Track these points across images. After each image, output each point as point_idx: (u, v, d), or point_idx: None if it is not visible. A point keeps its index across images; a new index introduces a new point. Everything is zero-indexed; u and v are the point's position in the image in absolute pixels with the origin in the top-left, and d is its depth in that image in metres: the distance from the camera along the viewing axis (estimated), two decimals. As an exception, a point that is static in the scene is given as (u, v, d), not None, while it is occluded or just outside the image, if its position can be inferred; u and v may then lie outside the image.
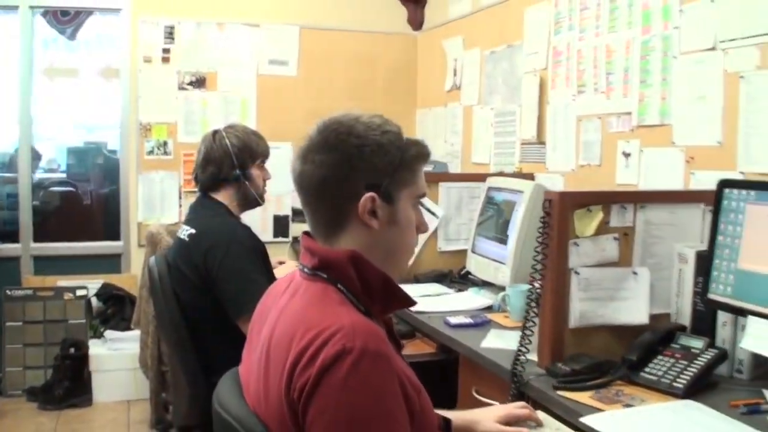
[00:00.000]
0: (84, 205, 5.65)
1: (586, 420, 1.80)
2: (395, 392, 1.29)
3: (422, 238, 3.37)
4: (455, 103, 4.81)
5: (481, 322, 2.70)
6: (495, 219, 3.11)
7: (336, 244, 1.49)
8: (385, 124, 1.49)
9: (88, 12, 5.18)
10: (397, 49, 5.57)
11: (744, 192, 2.03)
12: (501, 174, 3.72)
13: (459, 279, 3.45)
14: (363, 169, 1.45)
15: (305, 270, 1.48)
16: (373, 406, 1.26)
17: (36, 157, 5.28)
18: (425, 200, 1.61)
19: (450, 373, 2.58)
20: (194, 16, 5.14)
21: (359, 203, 1.45)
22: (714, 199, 2.10)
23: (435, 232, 3.53)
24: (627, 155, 3.14)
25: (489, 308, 2.93)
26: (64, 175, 5.76)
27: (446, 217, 3.55)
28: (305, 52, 5.35)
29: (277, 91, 5.27)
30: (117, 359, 4.75)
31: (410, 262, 1.73)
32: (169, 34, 5.08)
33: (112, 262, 5.18)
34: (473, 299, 3.07)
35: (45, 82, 5.30)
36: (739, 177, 2.53)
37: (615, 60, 3.23)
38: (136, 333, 4.54)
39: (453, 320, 2.71)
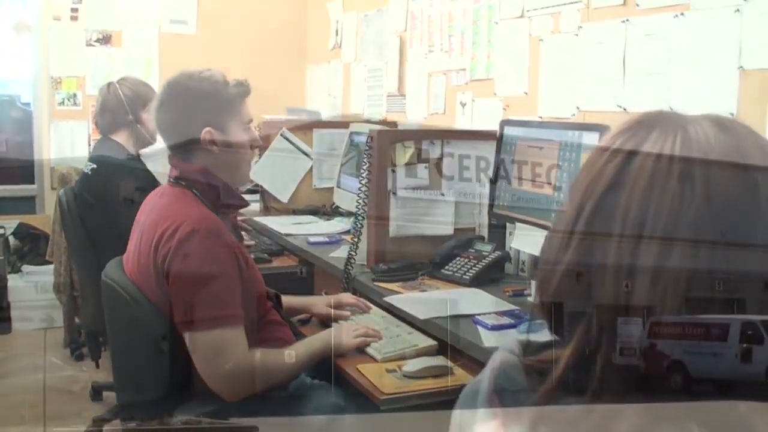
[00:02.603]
0: (-1, 152, 5.92)
1: (387, 299, 2.38)
2: (227, 260, 1.89)
3: (298, 176, 3.91)
4: (337, 60, 5.23)
5: (335, 241, 3.23)
6: (356, 158, 3.60)
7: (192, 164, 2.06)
8: (211, 77, 2.05)
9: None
10: (288, 10, 5.86)
11: (516, 129, 2.61)
12: (367, 121, 4.20)
13: (330, 211, 3.91)
14: (199, 111, 2.02)
15: (171, 180, 2.07)
16: (211, 267, 1.86)
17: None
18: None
19: (309, 280, 3.14)
20: (100, -23, 5.39)
21: (201, 137, 2.03)
22: (498, 136, 2.70)
23: (310, 171, 3.99)
24: (463, 105, 3.69)
25: (348, 232, 3.41)
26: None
27: (319, 159, 4.00)
28: (203, 12, 5.65)
29: (177, 47, 5.52)
30: (33, 291, 5.09)
31: (250, 172, 2.31)
32: (77, -5, 5.35)
33: (27, 204, 5.49)
34: (336, 225, 3.58)
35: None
36: (538, 120, 3.12)
37: (455, 24, 3.75)
38: (51, 267, 4.93)
39: (312, 239, 3.24)
